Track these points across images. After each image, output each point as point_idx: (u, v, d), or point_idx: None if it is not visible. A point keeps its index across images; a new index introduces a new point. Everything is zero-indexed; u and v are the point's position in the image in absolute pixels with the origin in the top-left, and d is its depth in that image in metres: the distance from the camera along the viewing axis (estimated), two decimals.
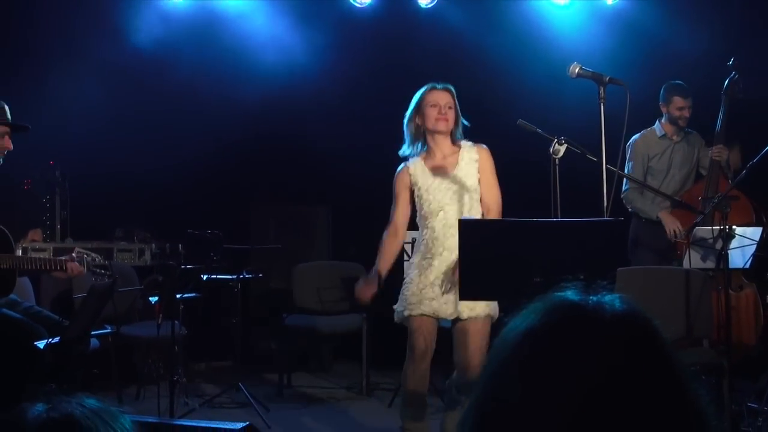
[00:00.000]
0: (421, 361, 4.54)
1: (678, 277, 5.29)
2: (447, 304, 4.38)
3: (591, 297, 1.06)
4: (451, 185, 4.43)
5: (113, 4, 7.63)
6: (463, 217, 3.96)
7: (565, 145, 4.05)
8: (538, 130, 4.11)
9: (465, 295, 3.63)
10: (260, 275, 6.72)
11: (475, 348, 4.38)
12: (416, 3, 7.63)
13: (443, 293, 4.36)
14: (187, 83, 7.56)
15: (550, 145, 3.98)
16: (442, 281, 4.35)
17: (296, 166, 7.85)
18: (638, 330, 1.04)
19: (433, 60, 7.56)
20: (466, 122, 4.57)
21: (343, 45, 7.76)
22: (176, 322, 5.55)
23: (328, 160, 7.69)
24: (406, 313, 4.48)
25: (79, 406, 1.16)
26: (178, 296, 5.68)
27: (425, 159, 4.55)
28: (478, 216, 4.41)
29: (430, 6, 7.62)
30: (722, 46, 6.68)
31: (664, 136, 6.21)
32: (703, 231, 5.32)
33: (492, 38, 7.18)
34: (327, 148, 7.69)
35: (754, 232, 5.23)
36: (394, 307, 4.59)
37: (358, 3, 7.66)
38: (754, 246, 5.21)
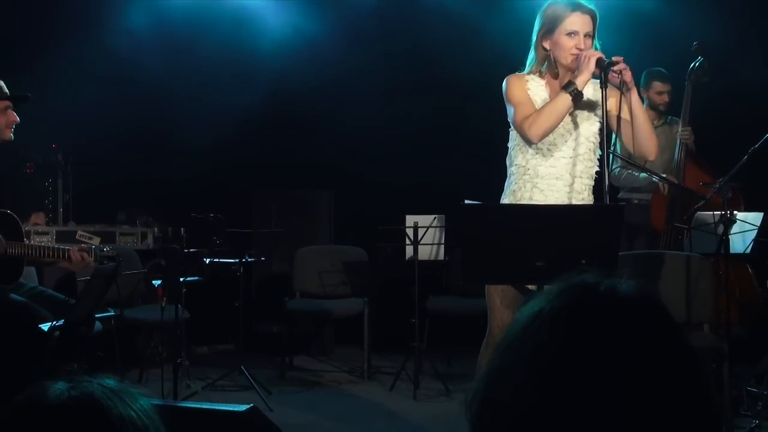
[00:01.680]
0: None
1: (679, 261, 5.31)
2: None
3: (604, 280, 1.07)
4: (570, 127, 3.80)
5: None
6: (465, 202, 3.92)
7: None
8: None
9: (468, 279, 3.63)
10: (262, 259, 6.74)
11: None
12: None
13: None
14: (190, 68, 7.56)
15: None
16: None
17: (298, 150, 7.86)
18: (651, 312, 1.05)
19: (438, 46, 7.57)
20: (599, 46, 3.75)
21: (345, 31, 7.75)
22: (179, 305, 5.58)
23: (330, 145, 7.71)
24: None
25: (99, 386, 1.18)
26: (180, 280, 5.70)
27: (547, 82, 3.84)
28: (592, 168, 3.82)
29: None
30: (720, 33, 6.70)
31: None
32: (705, 216, 5.33)
33: (496, 23, 7.16)
34: (329, 132, 7.71)
35: (756, 218, 5.25)
36: None
37: None
38: (755, 231, 5.23)
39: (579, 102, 3.69)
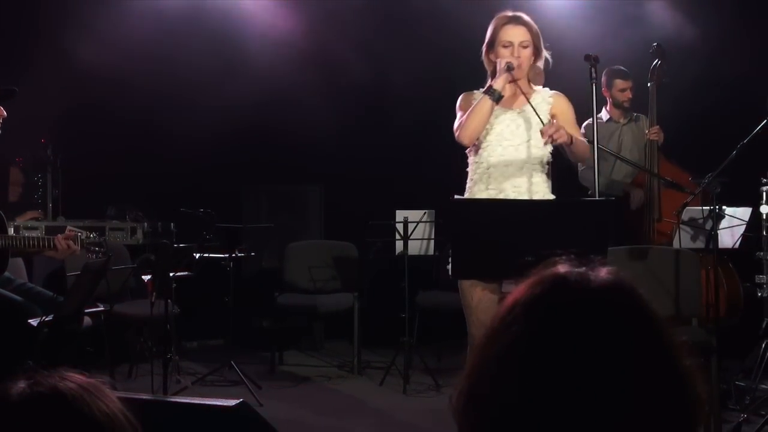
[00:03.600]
0: None
1: (668, 256, 5.33)
2: None
3: (577, 269, 1.08)
4: (516, 119, 4.02)
5: None
6: (454, 197, 3.93)
7: None
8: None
9: (457, 274, 3.65)
10: (252, 254, 6.74)
11: None
12: None
13: None
14: (179, 63, 7.54)
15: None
16: None
17: (288, 145, 7.85)
18: (623, 299, 1.06)
19: (427, 42, 7.57)
20: (549, 58, 4.09)
21: (333, 25, 7.74)
22: (169, 300, 5.57)
23: (320, 139, 7.70)
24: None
25: (61, 380, 1.18)
26: (170, 275, 5.69)
27: None
28: (545, 163, 4.01)
29: None
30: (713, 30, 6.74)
31: (609, 120, 6.41)
32: (693, 211, 5.35)
33: (486, 21, 7.16)
34: (318, 127, 7.69)
35: (744, 213, 5.27)
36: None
37: None
38: (744, 226, 5.25)
39: (499, 102, 3.95)
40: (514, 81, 4.02)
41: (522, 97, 4.03)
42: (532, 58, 4.03)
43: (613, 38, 6.67)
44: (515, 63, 3.94)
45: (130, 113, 7.52)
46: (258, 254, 6.97)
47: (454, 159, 4.28)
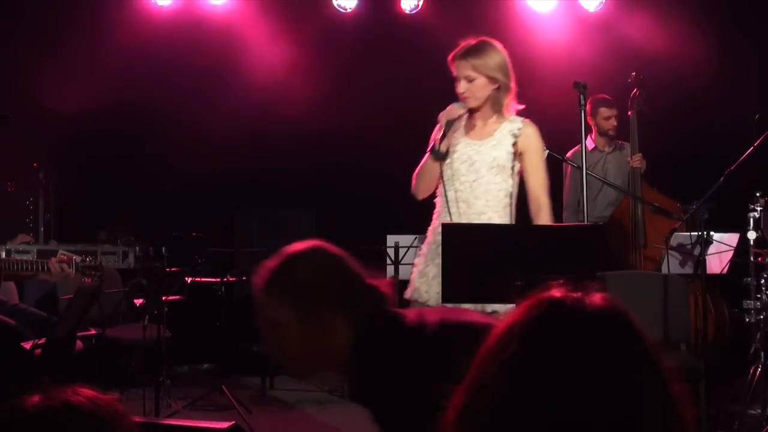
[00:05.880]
0: None
1: (656, 281, 5.35)
2: None
3: (573, 294, 1.11)
4: (475, 155, 3.92)
5: (98, 4, 7.65)
6: (444, 222, 3.95)
7: (547, 152, 4.14)
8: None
9: (447, 298, 3.67)
10: (244, 278, 6.74)
11: None
12: (399, 9, 7.71)
13: None
14: (171, 86, 7.58)
15: None
16: None
17: (280, 169, 7.88)
18: (618, 325, 1.09)
19: (416, 66, 7.61)
20: (513, 86, 3.92)
21: (326, 50, 7.79)
22: (160, 324, 5.57)
23: (312, 164, 7.73)
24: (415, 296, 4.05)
25: (74, 394, 1.20)
26: (162, 299, 5.69)
27: (467, 122, 4.01)
28: (503, 198, 3.90)
29: (413, 12, 7.70)
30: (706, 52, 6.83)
31: (594, 149, 6.46)
32: (682, 237, 5.39)
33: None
34: (310, 152, 7.72)
35: (732, 238, 5.31)
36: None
37: (341, 8, 7.72)
38: (731, 252, 5.29)
39: (444, 160, 3.89)
40: (473, 112, 3.94)
41: (485, 129, 3.94)
42: (490, 87, 3.88)
43: (597, 66, 6.75)
44: (455, 113, 3.86)
45: (122, 137, 7.54)
46: (250, 279, 6.97)
47: None
